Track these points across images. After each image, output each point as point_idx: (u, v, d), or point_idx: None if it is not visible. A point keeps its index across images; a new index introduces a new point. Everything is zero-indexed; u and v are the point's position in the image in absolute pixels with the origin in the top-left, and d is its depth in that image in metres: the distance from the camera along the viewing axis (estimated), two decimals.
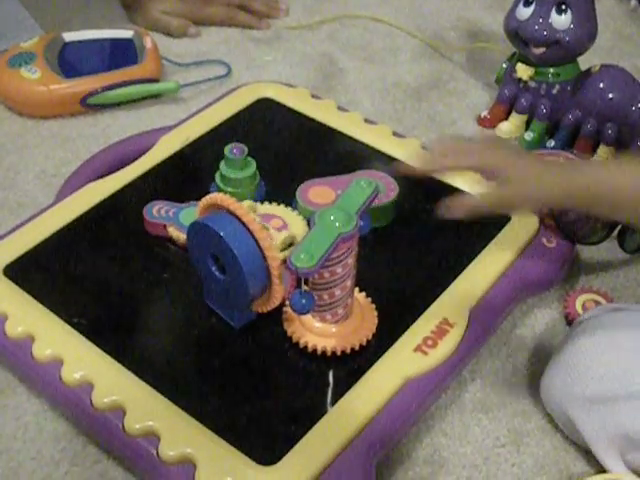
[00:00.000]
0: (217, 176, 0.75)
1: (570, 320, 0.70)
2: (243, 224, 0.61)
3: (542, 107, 0.87)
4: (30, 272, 0.70)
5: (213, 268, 0.64)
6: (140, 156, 0.81)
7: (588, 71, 0.85)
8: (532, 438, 0.63)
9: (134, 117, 0.93)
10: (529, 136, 0.88)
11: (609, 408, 0.58)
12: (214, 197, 0.62)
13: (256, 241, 0.60)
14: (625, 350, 0.59)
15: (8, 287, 0.68)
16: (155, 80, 0.95)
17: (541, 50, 0.84)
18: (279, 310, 0.65)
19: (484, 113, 0.92)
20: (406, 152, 0.80)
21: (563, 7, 0.81)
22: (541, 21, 0.82)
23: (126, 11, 1.08)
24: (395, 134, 0.84)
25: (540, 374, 0.65)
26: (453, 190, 0.77)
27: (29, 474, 0.61)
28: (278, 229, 0.71)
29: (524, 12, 0.84)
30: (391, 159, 0.80)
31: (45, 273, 0.70)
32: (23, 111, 0.93)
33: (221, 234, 0.60)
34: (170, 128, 0.85)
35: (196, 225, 0.63)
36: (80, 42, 0.97)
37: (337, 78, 0.99)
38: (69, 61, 0.95)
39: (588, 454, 0.61)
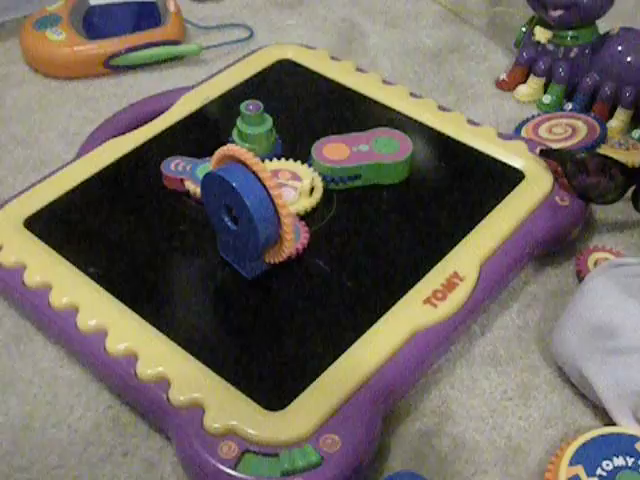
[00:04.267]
0: (234, 132, 0.76)
1: (582, 278, 0.70)
2: (255, 175, 0.62)
3: (560, 70, 0.86)
4: (50, 225, 0.71)
5: (226, 219, 0.65)
6: (161, 114, 0.82)
7: (607, 34, 0.85)
8: (540, 392, 0.63)
9: (157, 78, 0.94)
10: (547, 99, 0.88)
11: (622, 362, 0.58)
12: (227, 148, 0.63)
13: (267, 191, 0.61)
14: (638, 303, 0.59)
15: (28, 238, 0.70)
16: (178, 42, 0.96)
17: (559, 12, 0.83)
18: (290, 261, 0.66)
19: (503, 76, 0.92)
20: (422, 111, 0.81)
21: None
22: None
23: None
24: (412, 94, 0.84)
25: (550, 331, 0.66)
26: (467, 148, 0.77)
27: (44, 417, 0.62)
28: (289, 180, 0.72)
29: None
30: (407, 118, 0.81)
31: (65, 226, 0.72)
32: (48, 72, 0.94)
33: (233, 184, 0.61)
34: (190, 88, 0.86)
35: (209, 176, 0.64)
36: (105, 5, 0.98)
37: (358, 42, 0.99)
38: (94, 24, 0.96)
39: (596, 409, 0.61)
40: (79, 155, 0.79)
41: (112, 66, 0.93)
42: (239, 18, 1.03)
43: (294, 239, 0.64)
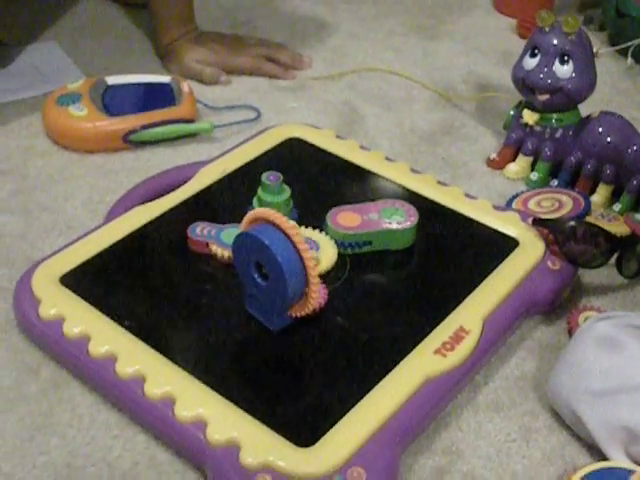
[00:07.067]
0: (255, 200, 0.83)
1: (572, 334, 0.77)
2: (284, 234, 0.68)
3: (546, 149, 0.95)
4: (84, 281, 0.77)
5: (256, 275, 0.71)
6: (181, 185, 0.89)
7: (588, 117, 0.94)
8: (540, 434, 0.70)
9: (172, 154, 1.01)
10: (535, 176, 0.96)
11: (611, 402, 0.65)
12: (258, 211, 0.70)
13: (297, 250, 0.68)
14: (623, 349, 0.66)
15: (65, 294, 0.76)
16: (191, 121, 1.04)
17: (545, 97, 0.93)
18: (311, 316, 0.73)
19: (493, 156, 1.00)
20: (423, 186, 0.89)
21: (565, 58, 0.91)
22: (546, 70, 0.92)
23: (162, 60, 1.18)
24: (413, 170, 0.92)
25: (545, 380, 0.72)
26: (466, 219, 0.85)
27: (84, 456, 0.67)
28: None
29: (530, 62, 0.93)
30: (410, 191, 0.89)
31: (98, 282, 0.78)
32: (70, 145, 1.01)
33: (266, 242, 0.68)
34: (207, 163, 0.93)
35: (242, 236, 0.70)
36: (122, 85, 1.06)
37: (357, 123, 1.08)
38: (112, 102, 1.03)
39: (591, 448, 0.68)
40: (107, 220, 0.85)
41: (130, 141, 1.00)
42: (246, 100, 1.11)
43: (319, 295, 0.70)
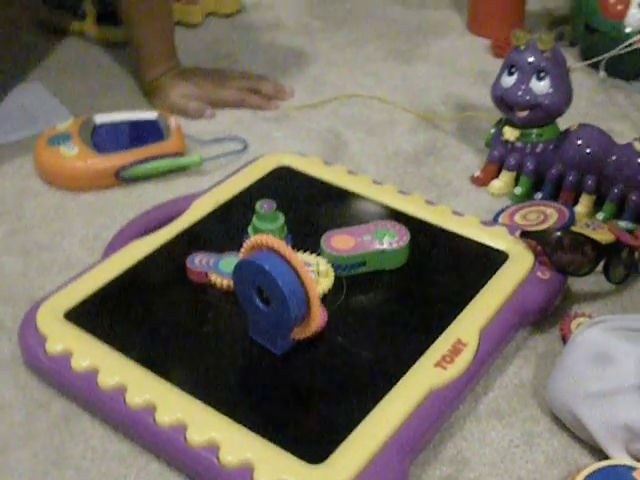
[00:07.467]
0: (250, 229, 0.85)
1: (566, 341, 0.79)
2: (284, 259, 0.71)
3: (528, 164, 0.98)
4: (88, 316, 0.79)
5: (257, 301, 0.73)
6: (175, 218, 0.91)
7: (567, 130, 0.97)
8: (542, 439, 0.72)
9: (162, 189, 1.03)
10: (518, 190, 0.99)
11: (609, 403, 0.67)
12: (257, 238, 0.72)
13: (297, 273, 0.70)
14: (615, 351, 0.69)
15: (70, 329, 0.77)
16: (180, 155, 1.06)
17: (524, 113, 0.96)
18: (313, 338, 0.75)
19: (477, 173, 1.03)
20: (412, 206, 0.92)
21: (542, 74, 0.94)
22: (523, 87, 0.95)
23: (146, 97, 1.20)
24: (400, 192, 0.95)
25: (543, 387, 0.75)
26: (456, 235, 0.88)
27: None
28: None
29: (508, 80, 0.96)
30: (400, 212, 0.91)
31: (102, 316, 0.79)
32: (62, 185, 1.02)
33: (266, 267, 0.70)
34: (200, 195, 0.95)
35: (242, 263, 0.73)
36: (110, 123, 1.08)
37: (342, 149, 1.10)
38: (101, 140, 1.05)
39: (593, 449, 0.70)
40: (106, 255, 0.87)
41: (122, 178, 1.02)
42: (232, 132, 1.14)
43: (320, 318, 0.72)
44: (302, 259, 0.82)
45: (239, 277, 0.74)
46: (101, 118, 1.09)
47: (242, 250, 0.75)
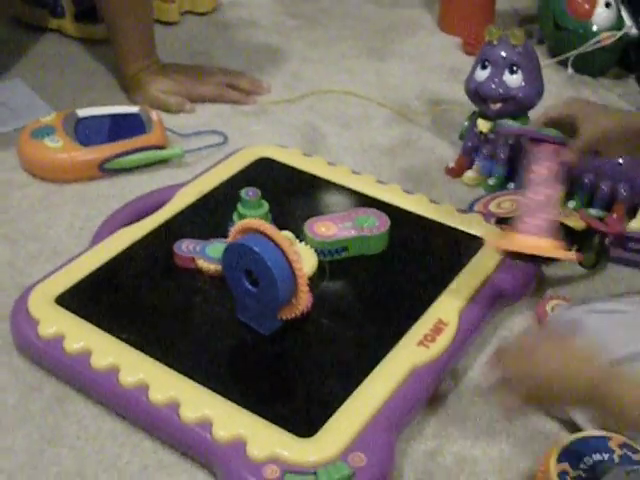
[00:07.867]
0: (235, 215, 0.88)
1: (540, 321, 0.83)
2: (272, 242, 0.73)
3: (501, 154, 1.01)
4: (78, 300, 0.81)
5: (246, 283, 0.76)
6: (160, 207, 0.94)
7: None
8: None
9: (145, 180, 1.05)
10: (492, 181, 1.02)
11: None
12: (246, 222, 0.75)
13: (285, 255, 0.73)
14: (594, 330, 0.72)
15: (61, 313, 0.79)
16: (162, 147, 1.08)
17: (498, 106, 0.99)
18: (299, 319, 0.77)
19: (451, 164, 1.06)
20: (390, 195, 0.95)
21: (515, 68, 0.98)
22: (497, 81, 0.98)
23: (127, 92, 1.22)
24: (379, 181, 0.98)
25: None
26: (433, 222, 0.91)
27: (94, 464, 0.71)
28: None
29: (481, 74, 1.00)
30: (379, 201, 0.94)
31: (92, 300, 0.82)
32: (47, 177, 1.04)
33: (256, 249, 0.72)
34: (184, 185, 0.98)
35: (232, 246, 0.75)
36: (93, 116, 1.10)
37: (320, 142, 1.13)
38: (84, 133, 1.07)
39: (569, 424, 0.73)
40: (94, 243, 0.89)
41: (105, 170, 1.04)
42: (211, 126, 1.16)
43: (307, 298, 0.75)
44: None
45: (228, 260, 0.76)
46: (84, 112, 1.10)
47: (230, 234, 0.77)
